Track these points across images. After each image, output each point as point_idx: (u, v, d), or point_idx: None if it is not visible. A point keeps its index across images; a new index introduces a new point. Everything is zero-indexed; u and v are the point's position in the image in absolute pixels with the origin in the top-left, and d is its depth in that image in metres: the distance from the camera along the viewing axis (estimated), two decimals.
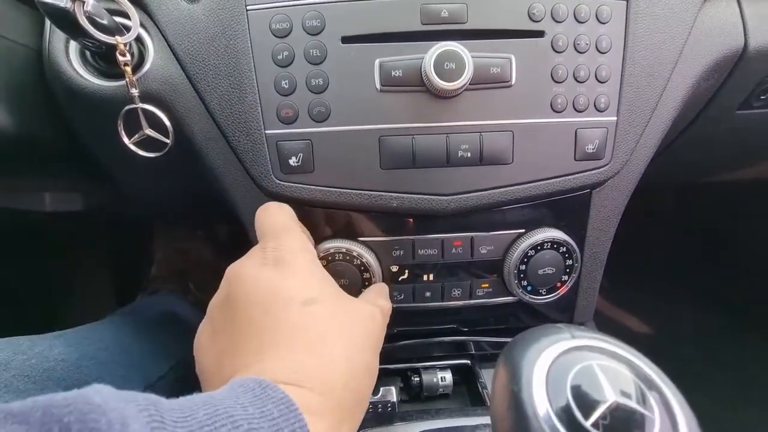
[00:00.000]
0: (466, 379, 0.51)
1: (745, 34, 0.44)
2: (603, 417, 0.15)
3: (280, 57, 0.38)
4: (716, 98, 0.49)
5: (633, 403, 0.15)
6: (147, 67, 0.40)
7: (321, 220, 0.43)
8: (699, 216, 1.06)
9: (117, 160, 0.48)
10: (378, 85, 0.38)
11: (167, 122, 0.40)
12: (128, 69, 0.37)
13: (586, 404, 0.15)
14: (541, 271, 0.44)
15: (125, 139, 0.40)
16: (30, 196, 0.56)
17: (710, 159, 0.60)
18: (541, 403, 0.15)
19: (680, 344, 0.97)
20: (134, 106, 0.39)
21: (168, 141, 0.41)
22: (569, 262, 0.45)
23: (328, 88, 0.38)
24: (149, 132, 0.40)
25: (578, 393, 0.16)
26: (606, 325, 0.52)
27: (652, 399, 0.16)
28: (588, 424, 0.15)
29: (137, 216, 0.92)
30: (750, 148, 0.60)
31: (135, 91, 0.38)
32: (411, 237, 0.44)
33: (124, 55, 0.37)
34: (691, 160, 0.60)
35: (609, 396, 0.15)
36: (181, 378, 0.65)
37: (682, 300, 1.06)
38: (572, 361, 0.17)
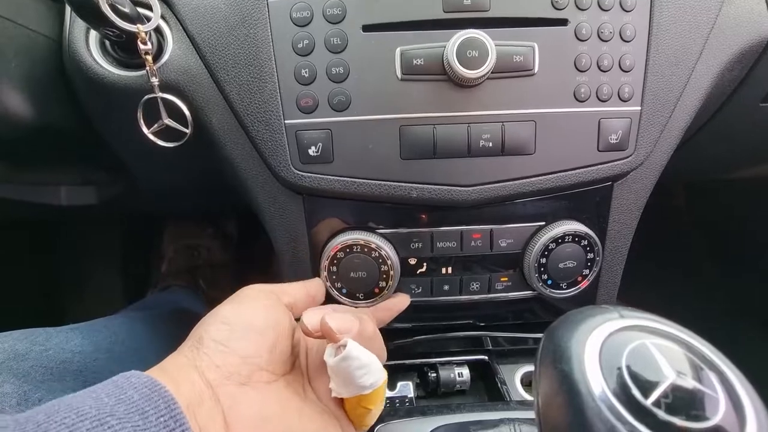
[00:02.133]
0: (483, 375, 0.51)
1: None
2: (664, 396, 0.14)
3: (300, 46, 0.38)
4: (740, 90, 0.48)
5: (694, 382, 0.15)
6: (166, 57, 0.40)
7: (339, 211, 0.42)
8: (715, 214, 1.04)
9: (134, 152, 0.48)
10: (399, 74, 0.38)
11: (187, 112, 0.40)
12: (149, 58, 0.37)
13: (644, 384, 0.15)
14: (561, 265, 0.43)
15: (144, 129, 0.40)
16: (46, 189, 0.56)
17: (732, 154, 0.59)
18: (596, 383, 0.15)
19: None
20: (154, 95, 0.39)
21: (187, 131, 0.41)
22: (590, 255, 0.44)
23: (348, 77, 0.38)
24: (168, 122, 0.40)
25: (634, 372, 0.15)
26: None
27: (713, 378, 0.15)
28: (649, 402, 0.14)
29: (149, 212, 0.92)
30: None
31: (155, 80, 0.38)
32: (430, 229, 0.43)
33: (145, 43, 0.37)
34: (712, 155, 0.58)
35: (668, 375, 0.15)
36: None
37: (699, 300, 1.04)
38: (624, 341, 0.16)
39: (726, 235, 1.04)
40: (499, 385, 0.47)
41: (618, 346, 0.16)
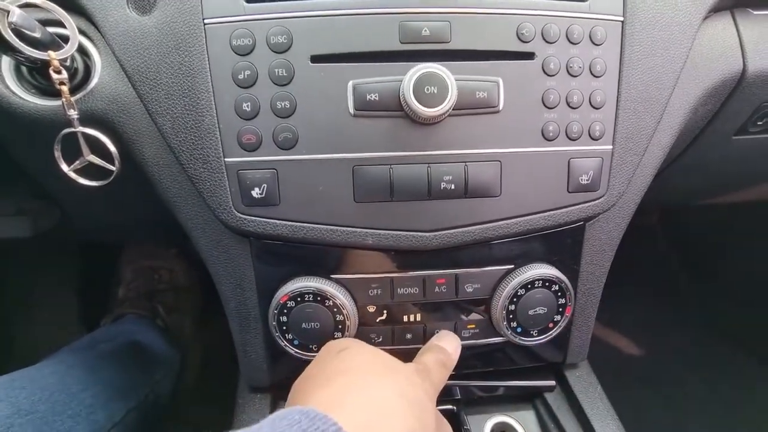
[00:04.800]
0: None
1: (744, 58, 0.42)
2: None
3: (241, 77, 0.34)
4: (713, 124, 0.46)
5: None
6: (93, 83, 0.36)
7: (288, 255, 0.39)
8: (691, 235, 1.04)
9: (62, 188, 0.43)
10: (351, 110, 0.34)
11: (112, 148, 0.35)
12: (65, 88, 0.33)
13: None
14: (531, 312, 0.40)
15: (64, 167, 0.36)
16: None
17: (704, 185, 0.58)
18: None
19: (674, 365, 0.95)
20: (73, 129, 0.34)
21: (113, 168, 0.36)
22: (562, 300, 0.41)
23: (295, 112, 0.34)
24: (91, 158, 0.35)
25: None
26: (597, 347, 0.49)
27: None
28: None
29: (94, 241, 0.85)
30: (745, 174, 0.57)
31: (74, 113, 0.34)
32: (389, 274, 0.39)
33: (59, 72, 0.32)
34: (685, 186, 0.57)
35: None
36: (143, 419, 0.59)
37: (674, 320, 1.04)
38: None
39: (700, 253, 1.04)
40: None
41: None
